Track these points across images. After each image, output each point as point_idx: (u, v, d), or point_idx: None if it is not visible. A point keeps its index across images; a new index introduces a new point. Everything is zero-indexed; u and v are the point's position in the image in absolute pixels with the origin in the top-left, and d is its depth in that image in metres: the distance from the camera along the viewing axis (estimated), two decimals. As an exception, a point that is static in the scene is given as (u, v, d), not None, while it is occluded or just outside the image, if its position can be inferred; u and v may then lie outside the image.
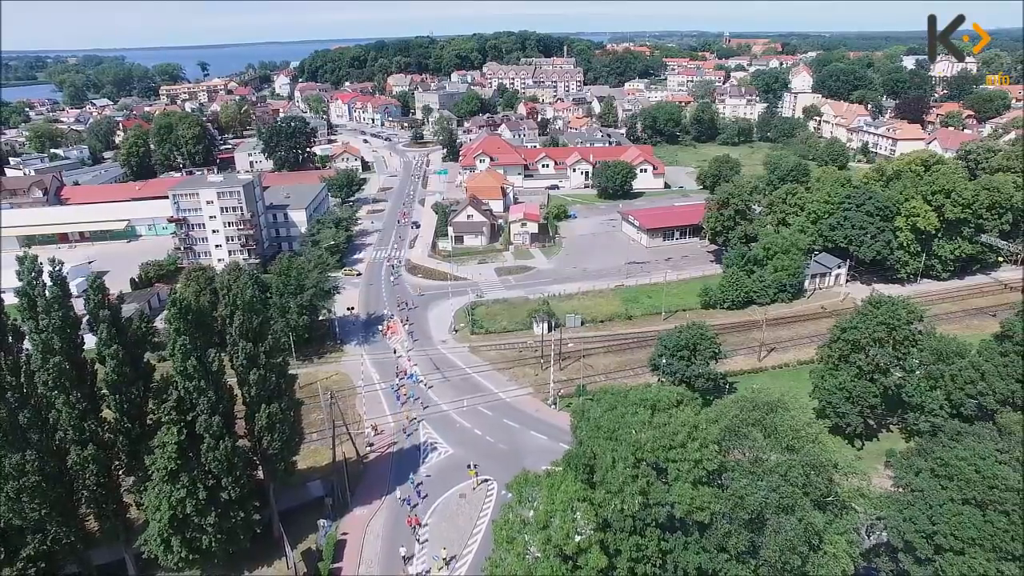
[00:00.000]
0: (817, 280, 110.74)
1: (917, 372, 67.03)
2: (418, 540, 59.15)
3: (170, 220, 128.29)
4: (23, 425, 45.03)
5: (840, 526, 42.83)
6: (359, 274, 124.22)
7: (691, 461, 42.31)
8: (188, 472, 49.22)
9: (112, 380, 48.03)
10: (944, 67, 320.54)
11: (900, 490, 46.18)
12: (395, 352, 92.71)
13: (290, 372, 59.80)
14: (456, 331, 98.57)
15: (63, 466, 48.34)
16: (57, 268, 46.41)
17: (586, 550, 39.87)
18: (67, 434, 47.21)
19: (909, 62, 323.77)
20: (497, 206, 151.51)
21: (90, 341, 49.77)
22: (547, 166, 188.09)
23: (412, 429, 75.07)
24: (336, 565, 56.47)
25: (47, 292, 46.01)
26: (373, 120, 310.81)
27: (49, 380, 45.46)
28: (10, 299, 49.30)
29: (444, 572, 55.15)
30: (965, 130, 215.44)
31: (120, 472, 52.29)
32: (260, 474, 58.15)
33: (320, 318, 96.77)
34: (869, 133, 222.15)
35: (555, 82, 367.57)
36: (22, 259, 45.88)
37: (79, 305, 50.68)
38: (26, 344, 48.44)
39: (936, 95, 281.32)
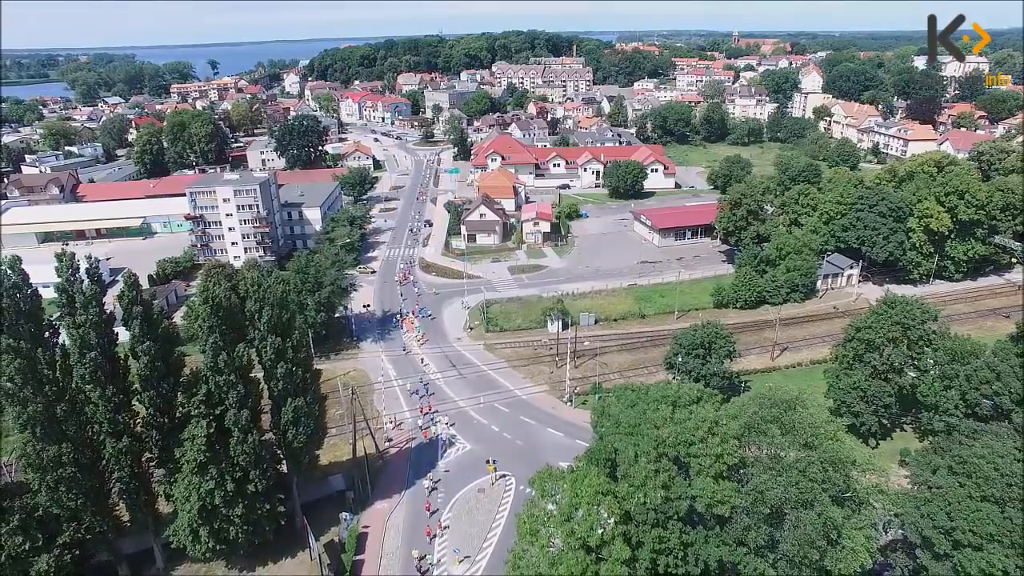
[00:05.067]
0: (829, 280, 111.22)
1: (931, 372, 67.53)
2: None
3: (187, 217, 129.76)
4: (60, 418, 46.28)
5: (858, 521, 43.58)
6: (373, 272, 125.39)
7: (712, 456, 43.19)
8: (216, 464, 50.50)
9: (145, 375, 49.30)
10: (955, 67, 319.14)
11: (917, 487, 46.85)
12: (404, 349, 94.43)
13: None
14: (471, 329, 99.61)
15: (97, 458, 49.69)
16: (94, 265, 47.63)
17: (609, 542, 40.79)
18: (102, 427, 48.47)
19: (920, 62, 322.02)
20: (509, 205, 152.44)
21: (120, 336, 51.13)
22: (558, 165, 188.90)
23: (429, 423, 76.88)
24: (358, 557, 57.68)
25: (84, 288, 47.22)
26: (383, 119, 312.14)
27: (86, 374, 46.70)
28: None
29: (463, 567, 56.13)
30: (978, 131, 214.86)
31: (151, 464, 53.51)
32: (284, 467, 59.44)
33: (336, 315, 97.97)
34: (880, 134, 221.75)
35: (564, 81, 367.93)
36: (60, 256, 47.09)
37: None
38: (61, 339, 49.62)
39: (948, 95, 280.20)
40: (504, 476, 66.74)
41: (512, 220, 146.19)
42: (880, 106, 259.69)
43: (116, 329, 50.67)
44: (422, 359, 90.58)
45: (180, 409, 52.16)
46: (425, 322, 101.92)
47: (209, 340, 49.16)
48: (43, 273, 61.27)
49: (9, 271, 44.38)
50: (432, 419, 76.93)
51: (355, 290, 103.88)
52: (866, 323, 68.80)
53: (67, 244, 51.09)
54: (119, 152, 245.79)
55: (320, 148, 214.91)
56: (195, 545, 52.12)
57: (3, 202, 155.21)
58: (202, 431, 49.62)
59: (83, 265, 47.96)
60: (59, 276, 46.61)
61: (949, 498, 42.07)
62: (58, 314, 48.47)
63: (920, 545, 43.38)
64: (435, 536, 59.51)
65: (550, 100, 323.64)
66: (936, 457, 47.52)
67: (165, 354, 51.52)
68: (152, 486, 54.45)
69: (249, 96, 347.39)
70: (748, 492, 43.17)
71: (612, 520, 41.60)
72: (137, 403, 51.88)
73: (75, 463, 46.96)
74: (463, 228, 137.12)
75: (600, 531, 40.93)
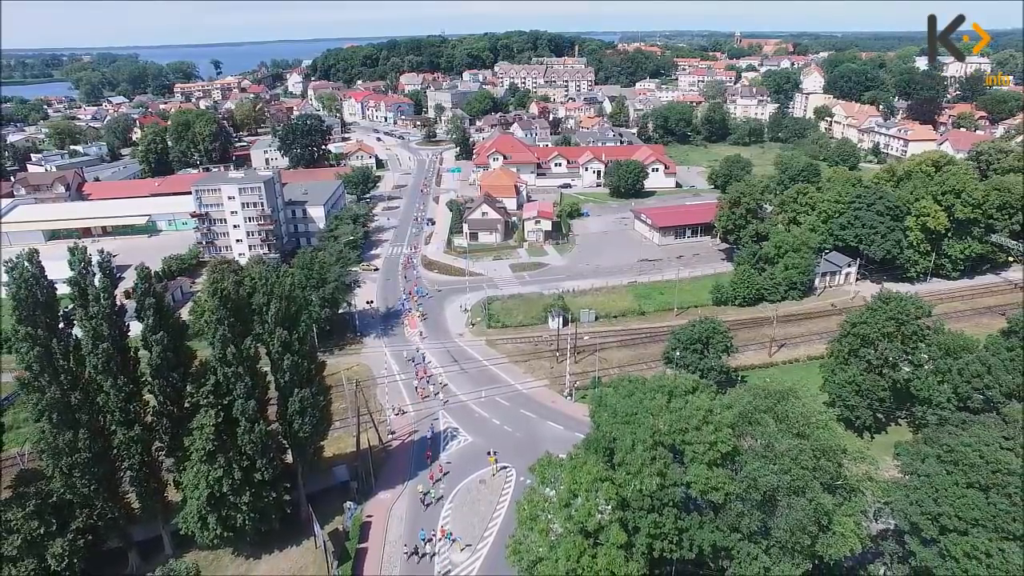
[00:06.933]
0: (827, 278, 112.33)
1: (925, 366, 68.70)
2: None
3: (193, 215, 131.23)
4: (74, 406, 47.68)
5: (849, 508, 44.84)
6: (376, 269, 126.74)
7: (706, 444, 44.44)
8: (224, 453, 51.84)
9: (156, 365, 50.68)
10: (957, 68, 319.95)
11: (907, 476, 48.07)
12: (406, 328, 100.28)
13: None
14: (472, 325, 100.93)
15: (108, 446, 51.09)
16: (105, 259, 49.04)
17: (606, 527, 42.14)
18: (113, 416, 49.87)
19: (922, 63, 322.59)
20: (511, 204, 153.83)
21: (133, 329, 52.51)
22: (559, 165, 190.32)
23: (425, 384, 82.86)
24: (362, 545, 59.08)
25: (96, 282, 48.61)
26: (386, 118, 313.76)
27: (98, 364, 48.06)
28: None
29: (465, 554, 57.42)
30: (978, 131, 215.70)
31: (160, 453, 54.88)
32: (289, 458, 60.77)
33: (340, 311, 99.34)
34: (880, 134, 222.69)
35: (566, 82, 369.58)
36: (73, 250, 48.51)
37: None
38: (75, 330, 51.00)
39: (948, 96, 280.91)
40: (505, 468, 68.06)
41: (514, 219, 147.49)
42: (881, 106, 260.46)
43: (127, 322, 52.09)
44: (420, 332, 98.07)
45: (189, 399, 53.47)
46: (425, 305, 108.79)
47: (218, 332, 50.52)
48: (51, 269, 62.67)
49: (27, 263, 45.77)
50: (428, 380, 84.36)
51: (358, 286, 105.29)
52: (861, 319, 70.01)
53: (75, 241, 52.56)
54: (123, 151, 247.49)
55: (323, 147, 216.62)
56: (203, 532, 53.42)
57: (10, 200, 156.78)
58: (210, 420, 51.00)
59: (95, 259, 49.36)
60: (72, 270, 47.99)
61: (936, 485, 43.33)
62: (72, 306, 49.85)
63: (908, 531, 44.61)
64: (437, 480, 66.34)
65: (552, 100, 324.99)
66: (926, 447, 48.75)
67: (176, 345, 52.90)
68: (161, 474, 55.83)
69: (252, 96, 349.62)
70: (741, 479, 44.41)
71: (609, 506, 42.92)
72: (148, 393, 53.30)
73: (89, 449, 48.32)
74: (465, 226, 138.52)
75: (598, 517, 42.28)
